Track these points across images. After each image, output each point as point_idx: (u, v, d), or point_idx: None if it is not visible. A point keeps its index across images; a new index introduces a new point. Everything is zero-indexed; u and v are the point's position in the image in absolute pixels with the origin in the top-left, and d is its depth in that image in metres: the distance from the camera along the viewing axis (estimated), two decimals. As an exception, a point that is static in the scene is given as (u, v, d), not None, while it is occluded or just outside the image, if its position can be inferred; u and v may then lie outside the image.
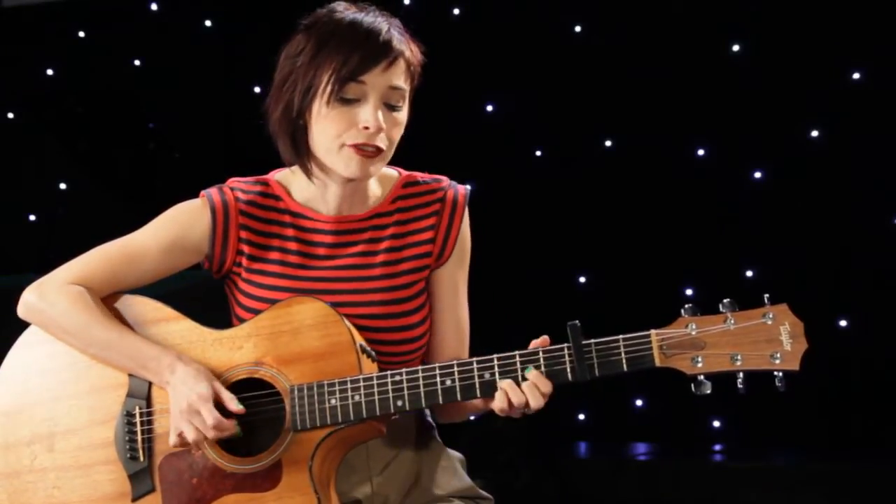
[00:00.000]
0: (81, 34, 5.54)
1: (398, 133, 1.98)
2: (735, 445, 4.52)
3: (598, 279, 4.80)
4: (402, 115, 1.98)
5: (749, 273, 4.54)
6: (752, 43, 4.53)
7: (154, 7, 5.44)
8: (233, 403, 1.89)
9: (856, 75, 4.39)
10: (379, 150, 1.94)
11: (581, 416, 4.77)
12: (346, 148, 1.93)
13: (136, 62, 5.50)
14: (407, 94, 1.98)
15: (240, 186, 2.06)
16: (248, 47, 5.13)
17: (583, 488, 4.38)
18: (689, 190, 4.59)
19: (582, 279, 4.83)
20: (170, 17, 5.42)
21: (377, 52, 1.92)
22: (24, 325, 2.08)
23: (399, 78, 1.95)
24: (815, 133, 4.46)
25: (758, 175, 4.54)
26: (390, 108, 1.95)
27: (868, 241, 4.37)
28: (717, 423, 4.58)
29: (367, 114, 1.92)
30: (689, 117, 4.57)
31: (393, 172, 2.10)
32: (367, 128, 1.92)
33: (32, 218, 5.62)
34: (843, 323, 4.39)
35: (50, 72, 5.58)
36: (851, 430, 4.36)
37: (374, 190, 2.07)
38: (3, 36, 5.56)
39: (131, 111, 5.54)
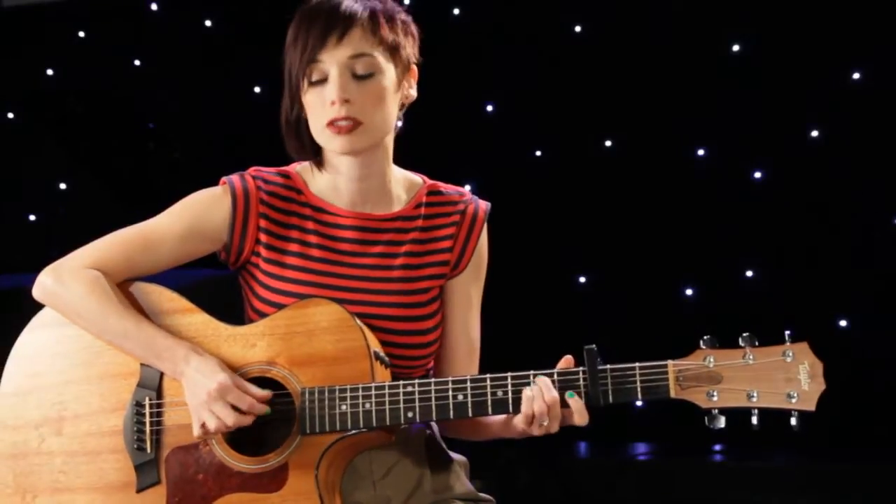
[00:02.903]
0: (81, 34, 5.54)
1: (377, 101, 1.94)
2: (735, 445, 4.52)
3: (598, 280, 4.79)
4: (380, 81, 1.94)
5: (749, 273, 4.54)
6: (752, 43, 4.52)
7: (154, 7, 5.43)
8: (260, 392, 1.88)
9: (856, 75, 4.39)
10: (354, 123, 1.92)
11: (581, 416, 4.76)
12: (326, 129, 1.93)
13: (136, 62, 5.50)
14: (380, 57, 1.94)
15: (262, 175, 2.05)
16: (248, 47, 5.13)
17: (583, 488, 4.38)
18: (689, 190, 4.59)
19: (582, 279, 4.83)
20: (170, 17, 5.42)
21: (326, 27, 1.91)
22: (25, 326, 2.07)
23: (358, 45, 1.92)
24: (815, 133, 4.46)
25: (758, 175, 4.54)
26: (359, 77, 1.93)
27: (868, 241, 4.37)
28: (717, 424, 4.57)
29: (329, 90, 1.92)
30: (689, 117, 4.57)
31: (417, 179, 2.10)
32: (333, 103, 1.91)
33: (32, 218, 5.62)
34: (843, 323, 4.40)
35: (50, 72, 5.58)
36: (851, 430, 4.36)
37: (398, 192, 2.06)
38: (3, 36, 5.56)
39: (131, 111, 5.54)
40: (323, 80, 1.93)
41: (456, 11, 4.97)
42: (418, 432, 2.05)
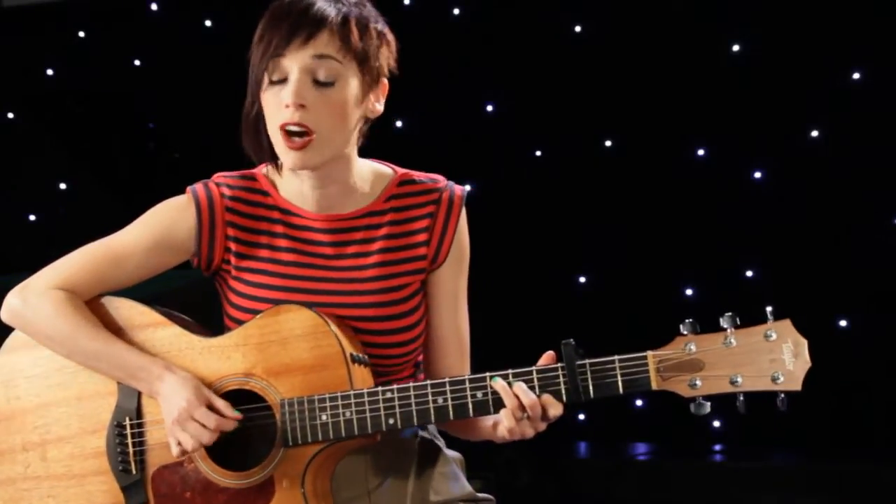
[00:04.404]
0: (81, 34, 5.54)
1: (335, 114, 1.85)
2: (735, 445, 4.52)
3: (598, 280, 4.79)
4: (342, 92, 1.85)
5: (749, 273, 4.53)
6: (752, 43, 4.52)
7: (154, 7, 5.43)
8: (229, 410, 1.85)
9: (856, 75, 4.38)
10: (307, 135, 1.84)
11: (581, 416, 4.77)
12: (279, 135, 1.85)
13: (136, 62, 5.49)
14: (346, 66, 1.85)
15: (226, 182, 1.99)
16: (248, 47, 5.12)
17: (583, 488, 4.38)
18: (689, 190, 4.59)
19: (582, 279, 4.83)
20: (170, 17, 5.42)
21: (294, 24, 1.84)
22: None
23: (324, 47, 1.83)
24: (815, 133, 4.46)
25: (758, 175, 4.54)
26: (320, 84, 1.85)
27: (868, 241, 4.37)
28: (717, 423, 4.58)
29: (286, 91, 1.84)
30: (689, 117, 4.57)
31: (387, 170, 2.02)
32: (287, 106, 1.83)
33: (32, 218, 5.62)
34: (842, 323, 4.39)
35: (50, 72, 5.58)
36: (851, 430, 4.36)
37: (364, 187, 1.98)
38: (3, 36, 5.56)
39: (131, 111, 5.54)
40: (283, 81, 1.85)
41: (456, 11, 4.97)
42: (412, 437, 2.03)
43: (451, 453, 2.08)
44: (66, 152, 5.60)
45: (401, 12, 4.68)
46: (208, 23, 5.37)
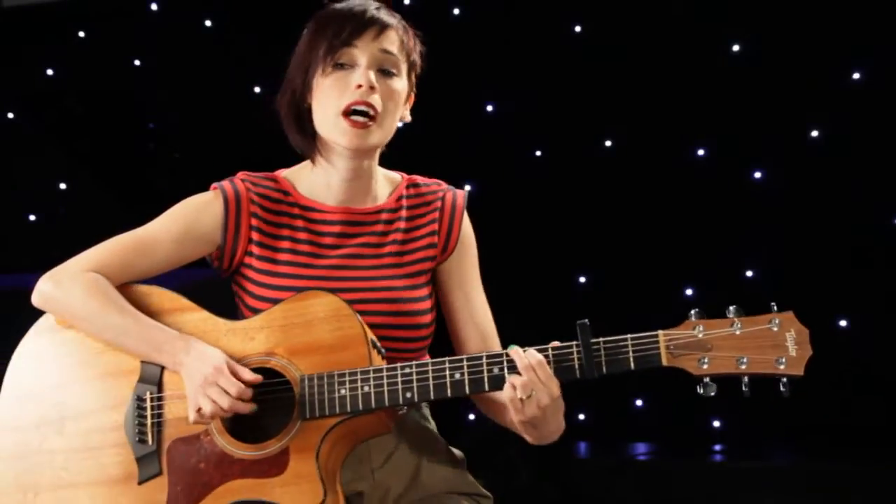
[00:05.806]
0: (81, 34, 5.55)
1: (394, 102, 2.03)
2: (735, 445, 4.53)
3: (599, 279, 4.80)
4: (398, 84, 2.03)
5: (749, 273, 4.54)
6: (752, 43, 4.53)
7: (154, 7, 5.44)
8: (246, 373, 1.91)
9: (856, 75, 4.39)
10: (372, 117, 1.99)
11: (581, 416, 4.77)
12: (341, 119, 1.99)
13: (136, 62, 5.50)
14: (402, 65, 2.04)
15: (251, 179, 2.11)
16: (248, 47, 5.13)
17: (583, 488, 4.38)
18: (689, 190, 4.59)
19: (582, 279, 4.83)
20: (170, 17, 5.43)
21: (366, 21, 2.01)
22: (26, 326, 2.09)
23: (391, 45, 2.03)
24: (815, 133, 4.46)
25: (758, 175, 4.55)
26: (384, 73, 2.02)
27: (868, 241, 4.37)
28: (717, 423, 4.58)
29: (359, 73, 1.99)
30: (689, 117, 4.58)
31: (396, 175, 2.16)
32: (359, 86, 1.98)
33: (32, 218, 5.62)
34: (842, 323, 4.40)
35: (50, 72, 5.58)
36: (851, 430, 4.36)
37: (380, 188, 2.12)
38: (3, 36, 5.56)
39: (131, 111, 5.54)
40: (348, 66, 2.00)
41: (456, 11, 4.97)
42: (416, 424, 2.08)
43: (453, 451, 2.13)
44: (66, 152, 5.61)
45: (401, 12, 4.69)
46: (208, 23, 5.37)
